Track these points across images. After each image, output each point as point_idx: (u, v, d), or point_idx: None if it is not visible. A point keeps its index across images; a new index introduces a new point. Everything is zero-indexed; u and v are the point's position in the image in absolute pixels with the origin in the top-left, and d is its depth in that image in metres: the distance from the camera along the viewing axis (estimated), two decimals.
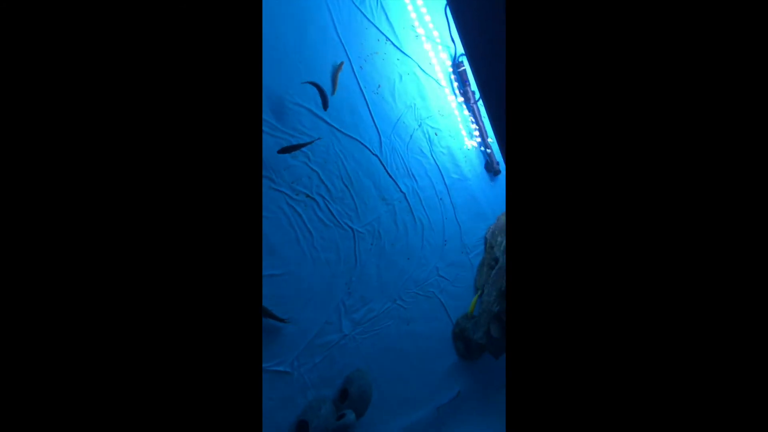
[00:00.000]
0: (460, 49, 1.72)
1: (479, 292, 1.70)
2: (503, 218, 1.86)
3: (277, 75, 1.36)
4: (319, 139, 1.44)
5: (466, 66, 1.74)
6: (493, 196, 1.87)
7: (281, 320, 1.38)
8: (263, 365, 1.38)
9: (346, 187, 1.53)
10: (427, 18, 1.64)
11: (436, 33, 1.67)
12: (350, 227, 1.55)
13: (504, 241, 1.78)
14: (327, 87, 1.47)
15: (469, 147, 1.78)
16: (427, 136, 1.68)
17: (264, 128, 1.33)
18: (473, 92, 1.74)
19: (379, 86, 1.57)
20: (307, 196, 1.46)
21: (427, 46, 1.66)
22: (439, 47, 1.70)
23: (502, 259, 1.75)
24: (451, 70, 1.75)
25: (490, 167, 1.84)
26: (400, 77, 1.62)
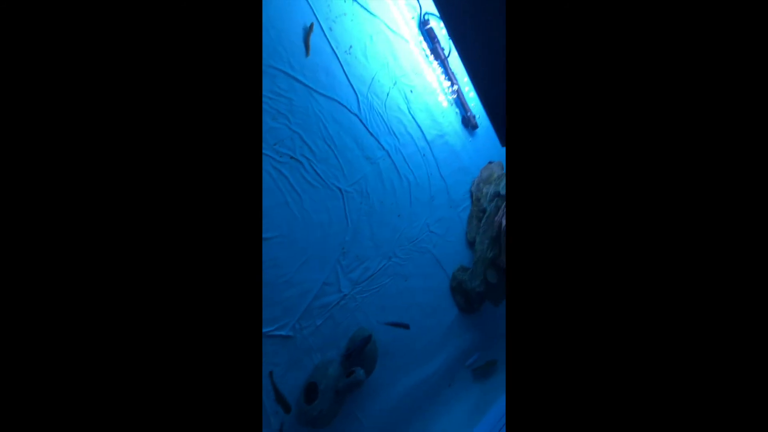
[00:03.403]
0: (425, 8, 1.75)
1: None
2: (485, 170, 1.90)
3: None
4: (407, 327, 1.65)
5: (434, 24, 1.77)
6: (473, 151, 1.90)
7: (403, 326, 1.62)
8: (264, 330, 1.36)
9: (329, 147, 1.54)
10: None
11: None
12: (338, 187, 1.56)
13: (489, 192, 1.81)
14: (299, 49, 1.48)
15: (445, 104, 1.81)
16: (402, 93, 1.70)
17: None
18: (442, 48, 1.78)
19: (350, 47, 1.59)
20: (291, 157, 1.46)
21: (393, 6, 1.69)
22: (404, 6, 1.73)
23: (489, 209, 1.78)
24: (417, 30, 1.78)
25: (467, 122, 1.87)
26: (371, 38, 1.64)
